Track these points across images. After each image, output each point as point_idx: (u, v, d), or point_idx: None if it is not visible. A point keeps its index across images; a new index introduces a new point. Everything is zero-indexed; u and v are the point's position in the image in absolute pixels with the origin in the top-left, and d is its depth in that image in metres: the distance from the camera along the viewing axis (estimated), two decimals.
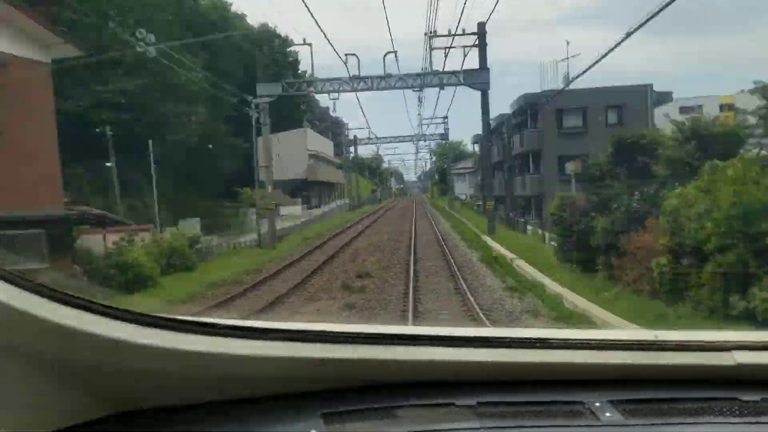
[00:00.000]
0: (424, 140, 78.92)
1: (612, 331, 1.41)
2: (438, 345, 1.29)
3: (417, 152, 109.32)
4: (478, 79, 31.66)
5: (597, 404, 1.22)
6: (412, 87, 33.83)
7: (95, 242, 20.66)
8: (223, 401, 1.22)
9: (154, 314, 1.18)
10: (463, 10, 56.34)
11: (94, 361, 1.11)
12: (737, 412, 1.22)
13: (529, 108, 40.24)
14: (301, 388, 1.25)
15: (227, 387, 1.22)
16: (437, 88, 34.59)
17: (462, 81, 32.17)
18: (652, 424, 1.18)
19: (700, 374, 1.30)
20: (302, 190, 48.92)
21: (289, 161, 48.55)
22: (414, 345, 1.28)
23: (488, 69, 31.63)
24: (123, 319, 1.12)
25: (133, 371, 1.15)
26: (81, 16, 29.16)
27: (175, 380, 1.18)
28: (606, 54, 18.84)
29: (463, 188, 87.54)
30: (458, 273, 19.40)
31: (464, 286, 17.11)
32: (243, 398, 1.22)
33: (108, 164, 31.16)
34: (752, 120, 21.42)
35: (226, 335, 1.20)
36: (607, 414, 1.20)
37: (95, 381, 1.14)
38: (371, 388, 1.26)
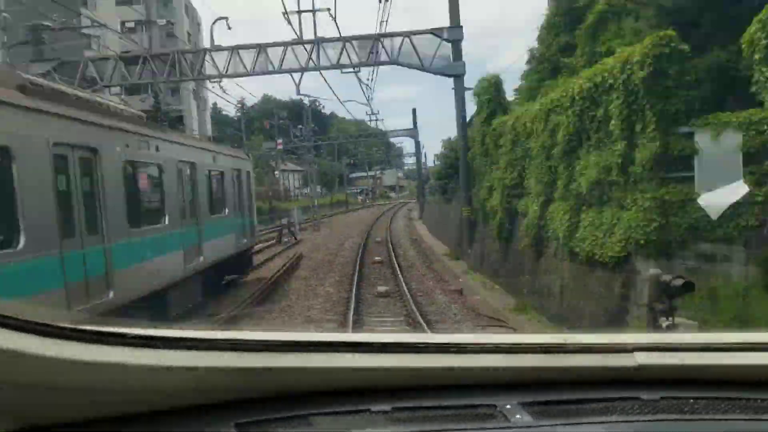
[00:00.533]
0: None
1: (524, 336, 1.52)
2: (353, 352, 1.30)
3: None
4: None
5: (508, 407, 1.26)
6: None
7: None
8: (131, 414, 1.18)
9: (57, 324, 1.13)
10: None
11: None
12: (638, 410, 1.27)
13: None
14: (214, 398, 1.23)
15: (136, 399, 1.18)
16: None
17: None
18: (560, 424, 1.22)
19: (605, 375, 1.35)
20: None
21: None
22: (329, 352, 1.29)
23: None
24: (23, 330, 1.07)
25: (34, 384, 1.09)
26: None
27: (80, 393, 1.14)
28: None
29: None
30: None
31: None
32: (153, 410, 1.20)
33: None
34: None
35: (134, 345, 1.16)
36: (518, 416, 1.23)
37: None
38: (286, 396, 1.26)
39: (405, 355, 1.32)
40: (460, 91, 23.53)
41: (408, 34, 22.59)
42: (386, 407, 1.25)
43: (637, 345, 1.38)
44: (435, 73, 24.39)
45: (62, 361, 1.09)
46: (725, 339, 1.43)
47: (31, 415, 1.14)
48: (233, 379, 1.23)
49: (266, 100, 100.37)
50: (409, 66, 23.28)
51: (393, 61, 23.38)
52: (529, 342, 1.40)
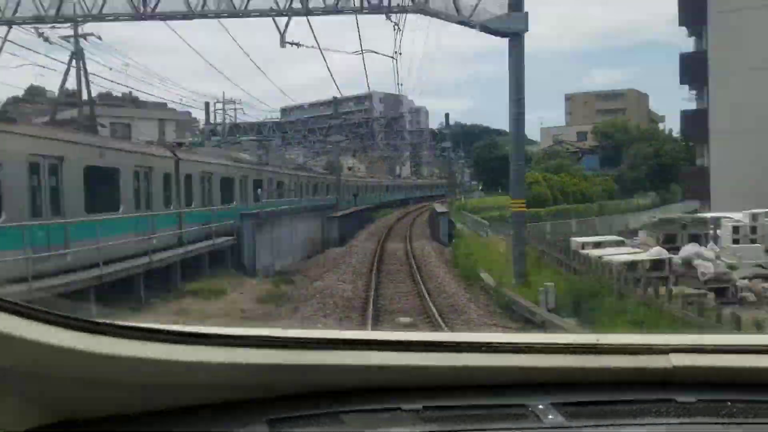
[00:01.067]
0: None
1: (556, 335, 1.53)
2: (383, 350, 1.30)
3: None
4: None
5: (540, 407, 1.25)
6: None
7: None
8: (165, 410, 1.20)
9: (94, 320, 1.15)
10: None
11: (31, 368, 1.08)
12: (673, 413, 1.25)
13: None
14: (246, 394, 1.24)
15: (170, 395, 1.20)
16: None
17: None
18: (593, 426, 1.21)
19: (639, 377, 1.33)
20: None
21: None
22: (360, 350, 1.29)
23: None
24: (62, 325, 1.10)
25: (72, 379, 1.12)
26: None
27: (117, 388, 1.16)
28: None
29: None
30: None
31: None
32: (186, 406, 1.21)
33: None
34: None
35: (169, 341, 1.18)
36: (550, 416, 1.23)
37: (32, 388, 1.10)
38: (317, 393, 1.26)
39: (436, 353, 1.32)
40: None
41: None
42: (417, 406, 1.25)
43: (673, 346, 1.36)
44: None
45: (98, 356, 1.11)
46: (764, 341, 1.41)
47: (68, 408, 1.16)
48: (265, 376, 1.24)
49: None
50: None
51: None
52: (561, 342, 1.39)
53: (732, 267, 16.55)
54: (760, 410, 1.26)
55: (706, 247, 18.08)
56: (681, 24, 37.88)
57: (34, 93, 49.05)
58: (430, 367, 1.30)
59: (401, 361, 1.29)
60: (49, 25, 23.91)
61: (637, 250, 18.71)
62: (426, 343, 1.34)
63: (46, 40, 26.41)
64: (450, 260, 26.13)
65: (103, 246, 15.03)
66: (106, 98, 45.10)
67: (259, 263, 24.13)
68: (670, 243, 19.75)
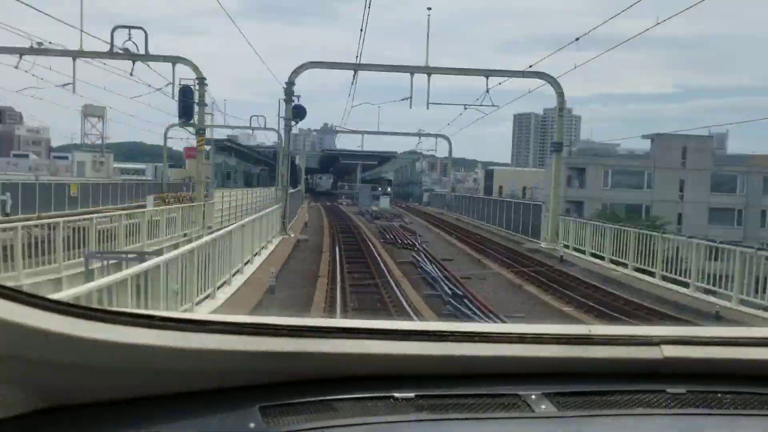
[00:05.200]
0: None
1: (548, 326, 1.45)
2: (377, 338, 1.31)
3: None
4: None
5: (532, 396, 1.26)
6: None
7: None
8: (158, 395, 1.20)
9: (86, 305, 1.16)
10: None
11: (21, 353, 1.07)
12: (664, 403, 1.26)
13: None
14: (238, 381, 1.25)
15: (163, 381, 1.20)
16: None
17: None
18: (584, 416, 1.23)
19: (630, 367, 1.34)
20: None
21: None
22: (353, 338, 1.30)
23: None
24: (52, 310, 1.09)
25: (64, 364, 1.12)
26: None
27: (108, 374, 1.16)
28: None
29: None
30: None
31: None
32: (179, 392, 1.21)
33: None
34: None
35: (162, 327, 1.18)
36: (542, 406, 1.24)
37: (23, 374, 1.10)
38: (310, 381, 1.27)
39: (430, 343, 1.32)
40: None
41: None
42: (410, 394, 1.26)
43: (664, 337, 1.37)
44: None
45: (89, 341, 1.11)
46: (754, 333, 1.43)
47: (58, 394, 1.16)
48: (259, 363, 1.24)
49: None
50: None
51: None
52: (554, 333, 1.40)
53: None
54: (748, 401, 1.27)
55: None
56: None
57: None
58: (423, 356, 1.30)
59: (395, 350, 1.30)
60: None
61: None
62: (419, 332, 1.35)
63: None
64: None
65: None
66: None
67: None
68: None
